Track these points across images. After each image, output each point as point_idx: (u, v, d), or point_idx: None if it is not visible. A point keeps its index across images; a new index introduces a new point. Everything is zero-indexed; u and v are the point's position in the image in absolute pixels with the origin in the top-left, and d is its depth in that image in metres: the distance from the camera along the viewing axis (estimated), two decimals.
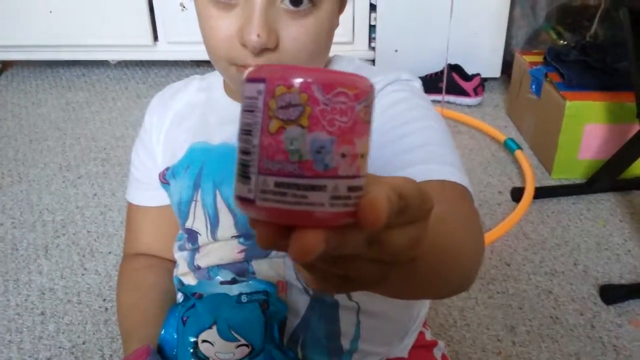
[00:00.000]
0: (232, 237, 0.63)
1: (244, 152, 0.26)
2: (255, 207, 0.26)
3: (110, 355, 1.12)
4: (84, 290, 1.30)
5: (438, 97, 1.92)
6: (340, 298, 0.62)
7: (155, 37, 2.34)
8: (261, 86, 0.26)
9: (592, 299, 1.25)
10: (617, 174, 1.56)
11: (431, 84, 2.10)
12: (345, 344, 0.62)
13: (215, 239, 0.64)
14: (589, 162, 1.65)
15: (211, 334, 0.58)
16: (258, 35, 0.51)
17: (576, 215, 1.52)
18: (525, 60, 1.91)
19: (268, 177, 0.26)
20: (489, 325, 1.19)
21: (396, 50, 2.26)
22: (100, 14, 2.28)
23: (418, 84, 0.65)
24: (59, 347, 1.15)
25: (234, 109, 0.63)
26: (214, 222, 0.63)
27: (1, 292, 1.30)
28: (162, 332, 0.62)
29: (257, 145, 0.26)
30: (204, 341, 0.59)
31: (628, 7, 1.30)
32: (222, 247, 0.64)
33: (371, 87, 0.27)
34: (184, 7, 2.23)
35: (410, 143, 0.56)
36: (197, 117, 0.68)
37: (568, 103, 1.60)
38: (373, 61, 2.31)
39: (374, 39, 2.28)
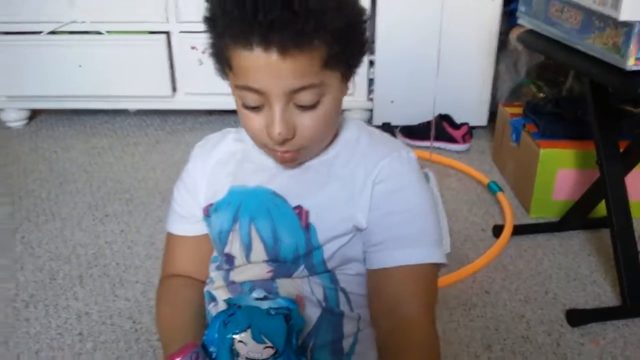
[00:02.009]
0: (263, 261, 0.77)
1: None
2: None
3: None
4: (116, 314, 1.48)
5: (428, 144, 2.13)
6: (345, 309, 0.78)
7: (174, 89, 2.59)
8: None
9: (559, 322, 1.43)
10: (586, 214, 1.76)
11: (423, 131, 2.32)
12: (346, 347, 0.79)
13: (249, 261, 0.78)
14: (562, 203, 1.85)
15: (246, 336, 0.73)
16: (279, 133, 0.69)
17: (549, 250, 1.71)
18: (507, 112, 2.13)
19: None
20: (469, 343, 1.36)
21: (392, 101, 2.49)
22: (125, 67, 2.53)
23: (413, 155, 0.80)
24: None
25: (264, 159, 0.81)
26: (248, 248, 0.78)
27: (43, 315, 1.49)
28: (206, 333, 0.79)
29: None
30: (239, 341, 0.73)
31: (589, 78, 1.52)
32: (254, 268, 0.78)
33: None
34: (201, 62, 2.47)
35: (403, 229, 0.74)
36: (235, 163, 0.82)
37: (542, 151, 1.81)
38: (371, 110, 2.54)
39: (372, 91, 2.51)
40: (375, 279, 0.77)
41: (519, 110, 2.10)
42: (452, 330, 1.40)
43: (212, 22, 0.69)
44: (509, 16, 2.41)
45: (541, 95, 2.35)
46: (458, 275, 1.57)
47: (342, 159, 0.78)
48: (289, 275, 0.77)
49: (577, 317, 1.42)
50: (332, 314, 0.77)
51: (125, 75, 2.55)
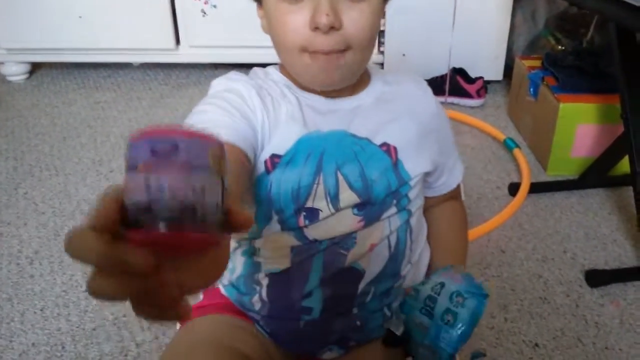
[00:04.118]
0: (353, 205, 0.72)
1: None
2: None
3: (148, 327, 1.27)
4: None
5: (442, 99, 2.06)
6: (407, 252, 0.77)
7: (178, 41, 2.50)
8: None
9: (578, 283, 1.39)
10: (606, 171, 1.69)
11: (436, 85, 2.24)
12: (397, 286, 0.78)
13: (337, 210, 0.71)
14: (581, 160, 1.78)
15: None
16: (327, 15, 0.64)
17: (568, 209, 1.66)
18: (525, 65, 2.04)
19: None
20: None
21: (404, 55, 2.40)
22: (126, 19, 2.44)
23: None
24: (103, 319, 1.30)
25: (325, 102, 0.75)
26: (334, 197, 0.71)
27: (48, 272, 1.45)
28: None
29: None
30: None
31: (615, 22, 1.43)
32: (342, 221, 0.72)
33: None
34: (204, 13, 2.38)
35: (452, 157, 0.87)
36: (294, 107, 0.73)
37: (561, 105, 1.74)
38: (382, 64, 2.46)
39: (383, 43, 2.42)
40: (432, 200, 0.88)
41: (537, 63, 2.01)
42: None
43: None
44: None
45: (560, 47, 2.25)
46: (472, 234, 1.52)
47: (393, 96, 0.79)
48: (379, 216, 0.75)
49: (596, 278, 1.38)
50: (395, 261, 0.77)
51: (127, 27, 2.46)
